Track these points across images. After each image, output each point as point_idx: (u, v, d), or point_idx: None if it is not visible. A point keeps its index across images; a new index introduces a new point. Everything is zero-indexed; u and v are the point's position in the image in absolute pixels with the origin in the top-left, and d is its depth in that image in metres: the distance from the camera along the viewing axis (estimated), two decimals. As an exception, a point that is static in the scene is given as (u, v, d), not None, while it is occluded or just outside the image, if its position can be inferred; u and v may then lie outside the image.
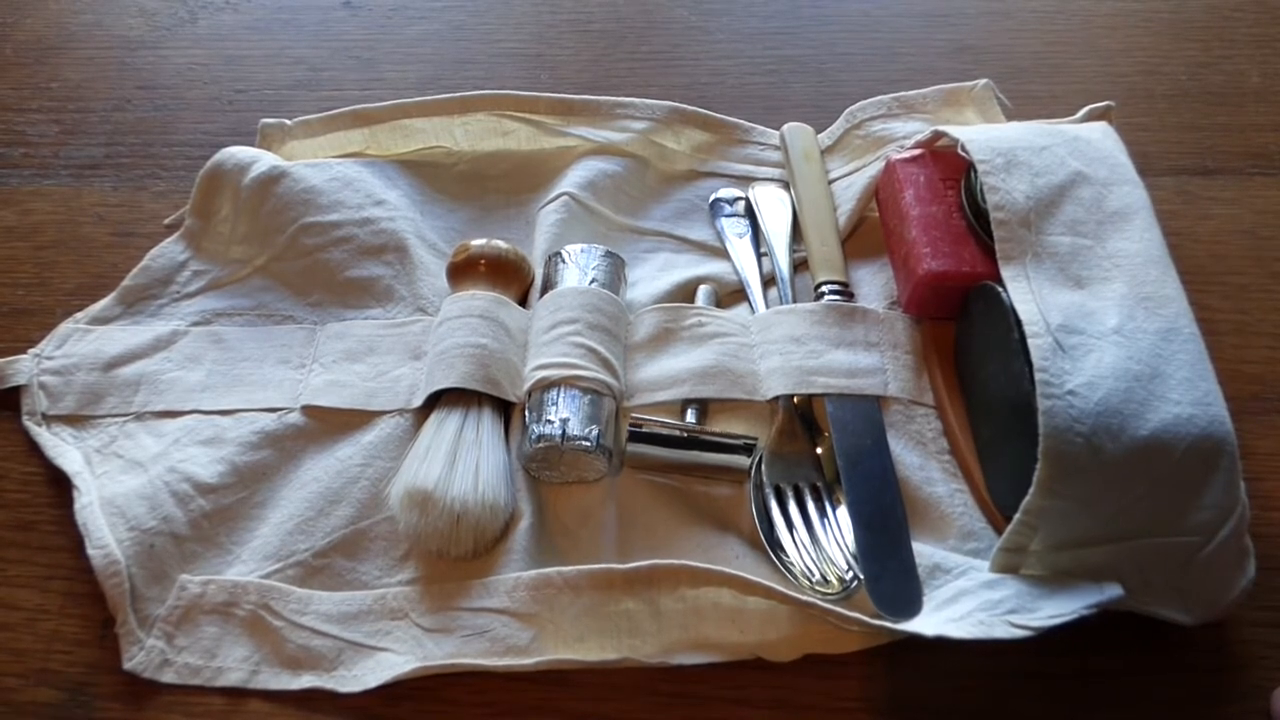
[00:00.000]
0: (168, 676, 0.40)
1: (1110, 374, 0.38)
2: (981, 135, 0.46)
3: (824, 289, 0.49)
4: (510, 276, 0.49)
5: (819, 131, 0.56)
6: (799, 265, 0.51)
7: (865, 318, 0.48)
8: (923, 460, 0.44)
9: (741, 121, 0.57)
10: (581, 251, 0.48)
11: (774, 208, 0.53)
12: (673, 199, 0.55)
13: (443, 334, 0.46)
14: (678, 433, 0.44)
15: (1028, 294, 0.41)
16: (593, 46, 0.63)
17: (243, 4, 0.65)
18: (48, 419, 0.47)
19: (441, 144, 0.56)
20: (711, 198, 0.54)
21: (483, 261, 0.48)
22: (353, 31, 0.64)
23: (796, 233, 0.52)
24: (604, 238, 0.52)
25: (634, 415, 0.44)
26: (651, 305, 0.49)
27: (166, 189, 0.56)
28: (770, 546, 0.42)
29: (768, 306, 0.49)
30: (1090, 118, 0.51)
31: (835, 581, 0.41)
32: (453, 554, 0.42)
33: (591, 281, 0.47)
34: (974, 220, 0.46)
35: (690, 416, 0.46)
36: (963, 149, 0.46)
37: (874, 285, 0.50)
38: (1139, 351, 0.39)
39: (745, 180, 0.55)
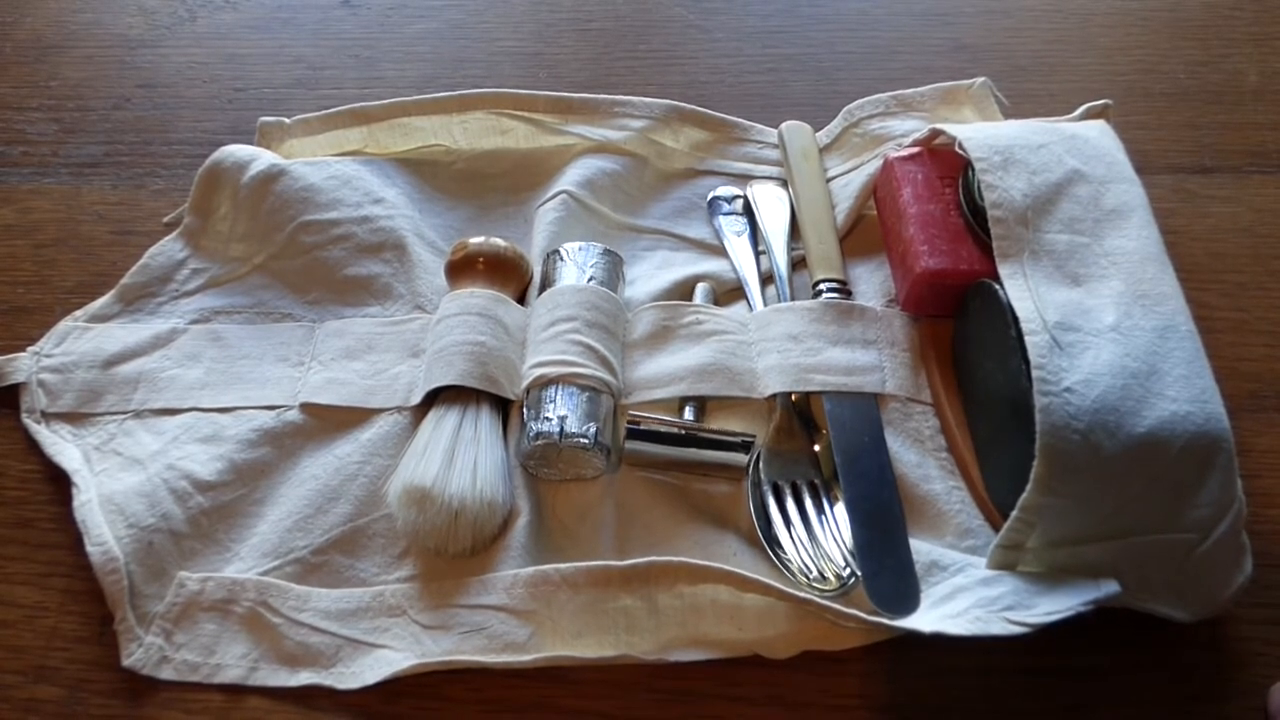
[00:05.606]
0: (166, 673, 0.40)
1: (1107, 371, 0.38)
2: (979, 133, 0.46)
3: (822, 287, 0.49)
4: (509, 274, 0.49)
5: (817, 130, 0.56)
6: (797, 263, 0.51)
7: (863, 315, 0.48)
8: (920, 458, 0.44)
9: (740, 120, 0.57)
10: (580, 249, 0.48)
11: (772, 206, 0.53)
12: (671, 197, 0.55)
13: (441, 331, 0.46)
14: (676, 430, 0.44)
15: (1025, 291, 0.41)
16: (591, 45, 0.63)
17: (242, 2, 0.66)
18: (47, 416, 0.47)
19: (440, 142, 0.56)
20: (710, 196, 0.54)
21: (481, 259, 0.48)
22: (352, 30, 0.64)
23: (794, 231, 0.52)
24: (602, 236, 0.52)
25: (632, 413, 0.45)
26: (650, 303, 0.49)
27: (166, 187, 0.56)
28: (768, 544, 0.42)
29: (766, 304, 0.49)
30: (1088, 116, 0.51)
31: (833, 578, 0.41)
32: (451, 551, 0.42)
33: (590, 279, 0.47)
34: (971, 218, 0.46)
35: (688, 414, 0.46)
36: (960, 147, 0.46)
37: (872, 283, 0.50)
38: (1136, 349, 0.39)
39: (743, 178, 0.55)
